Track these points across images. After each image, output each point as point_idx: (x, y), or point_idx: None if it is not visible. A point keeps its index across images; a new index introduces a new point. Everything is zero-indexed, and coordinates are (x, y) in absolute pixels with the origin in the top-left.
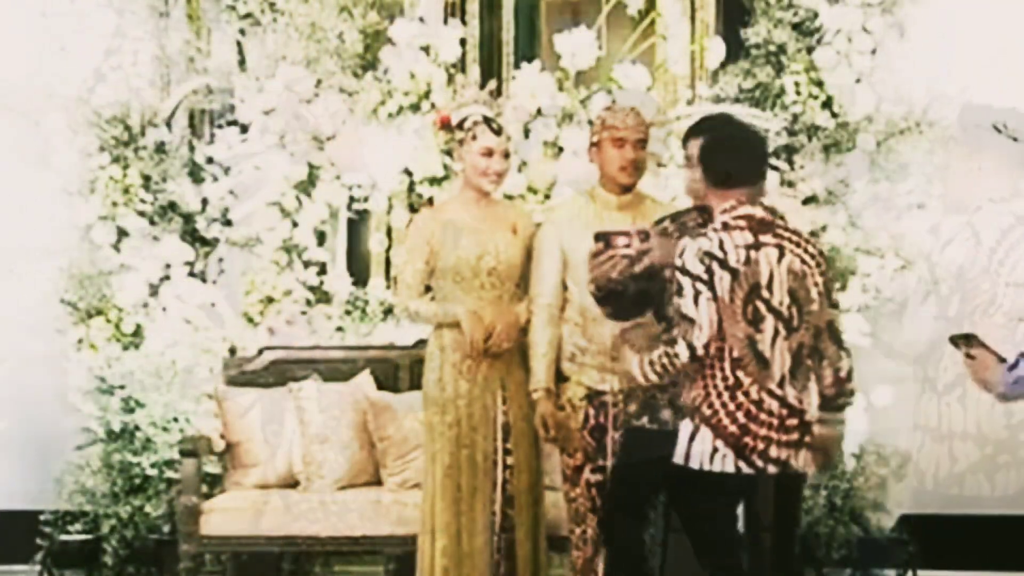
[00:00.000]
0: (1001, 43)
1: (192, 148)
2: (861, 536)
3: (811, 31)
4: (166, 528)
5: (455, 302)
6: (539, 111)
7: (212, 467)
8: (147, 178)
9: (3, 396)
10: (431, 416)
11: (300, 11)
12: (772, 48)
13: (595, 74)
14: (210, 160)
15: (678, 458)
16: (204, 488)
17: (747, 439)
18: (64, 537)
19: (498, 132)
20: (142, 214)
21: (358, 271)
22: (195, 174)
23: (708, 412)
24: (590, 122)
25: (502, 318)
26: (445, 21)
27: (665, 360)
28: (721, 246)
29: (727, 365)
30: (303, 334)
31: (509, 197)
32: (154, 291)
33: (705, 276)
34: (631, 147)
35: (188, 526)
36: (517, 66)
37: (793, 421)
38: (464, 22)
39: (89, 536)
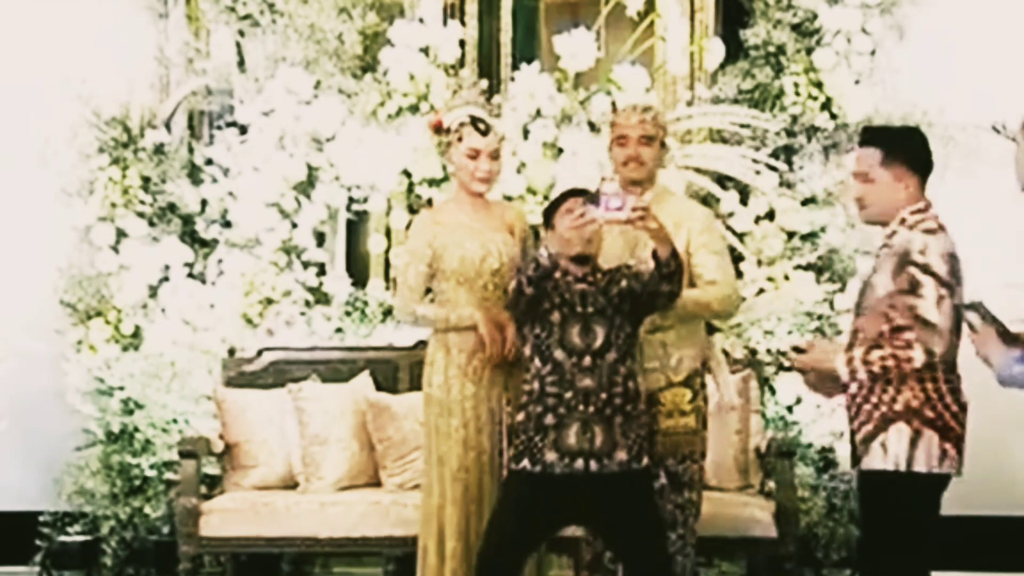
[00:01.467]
0: (1000, 43)
1: (191, 149)
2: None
3: (810, 32)
4: (165, 529)
5: (458, 304)
6: (538, 112)
7: (211, 468)
8: (146, 179)
9: (3, 396)
10: (436, 418)
11: (299, 12)
12: (771, 49)
13: (594, 75)
14: (209, 161)
15: (888, 464)
16: (203, 489)
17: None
18: (63, 538)
19: (485, 133)
20: (141, 215)
21: (357, 272)
22: (194, 175)
23: (931, 415)
24: (589, 123)
25: (508, 319)
26: (444, 22)
27: (891, 362)
28: (956, 248)
29: (945, 368)
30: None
31: (508, 198)
32: (153, 292)
33: (951, 279)
34: (634, 143)
35: (187, 527)
36: (516, 67)
37: None
38: (463, 23)
39: (88, 537)
